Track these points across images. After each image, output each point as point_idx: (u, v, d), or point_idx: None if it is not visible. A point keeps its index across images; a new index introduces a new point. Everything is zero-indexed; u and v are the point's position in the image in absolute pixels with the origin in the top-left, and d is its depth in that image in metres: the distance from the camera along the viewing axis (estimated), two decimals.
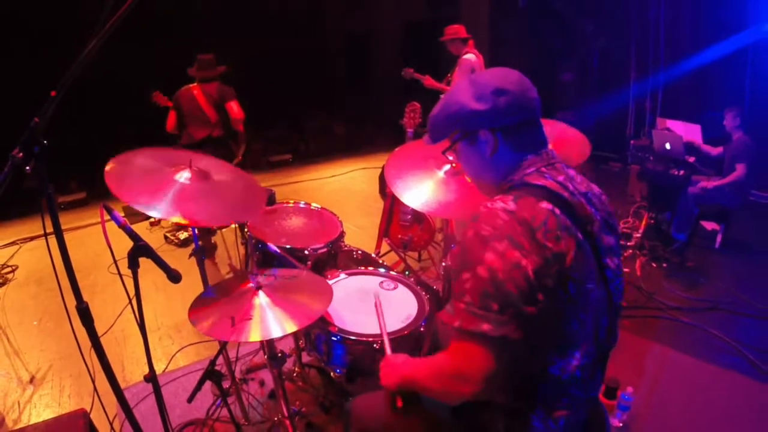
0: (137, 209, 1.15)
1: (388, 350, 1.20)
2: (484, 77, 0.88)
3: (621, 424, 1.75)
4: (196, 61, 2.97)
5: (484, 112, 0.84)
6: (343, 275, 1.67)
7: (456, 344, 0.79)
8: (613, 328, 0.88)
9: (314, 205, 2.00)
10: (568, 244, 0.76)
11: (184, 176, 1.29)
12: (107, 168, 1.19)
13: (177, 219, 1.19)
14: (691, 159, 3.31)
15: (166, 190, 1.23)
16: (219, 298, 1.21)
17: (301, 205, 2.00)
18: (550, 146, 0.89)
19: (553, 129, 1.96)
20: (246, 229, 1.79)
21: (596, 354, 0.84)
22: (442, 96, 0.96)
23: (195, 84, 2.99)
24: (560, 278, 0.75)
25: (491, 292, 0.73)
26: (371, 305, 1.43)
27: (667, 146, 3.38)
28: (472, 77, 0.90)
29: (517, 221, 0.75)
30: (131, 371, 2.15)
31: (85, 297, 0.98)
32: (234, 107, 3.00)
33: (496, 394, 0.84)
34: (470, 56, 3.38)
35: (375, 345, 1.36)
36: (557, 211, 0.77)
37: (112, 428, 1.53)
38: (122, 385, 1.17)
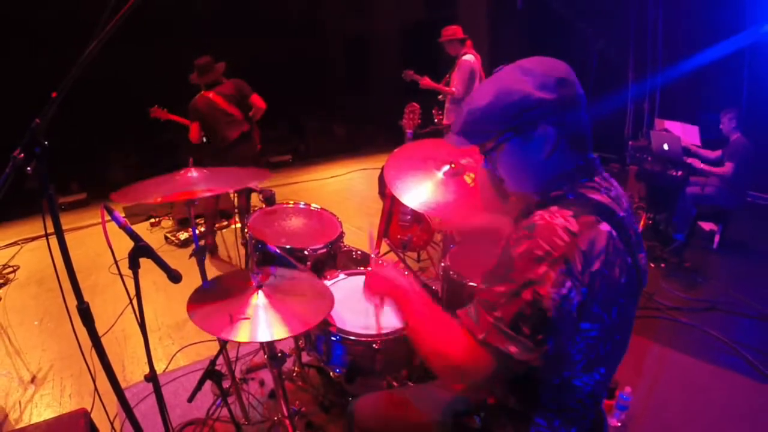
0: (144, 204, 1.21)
1: (373, 251, 1.17)
2: (535, 65, 0.76)
3: (619, 424, 1.76)
4: (195, 68, 2.95)
5: (550, 103, 0.72)
6: (342, 275, 1.68)
7: (473, 347, 0.72)
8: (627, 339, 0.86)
9: (314, 205, 2.01)
10: (621, 270, 0.72)
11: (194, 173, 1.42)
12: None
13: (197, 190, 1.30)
14: (690, 160, 3.33)
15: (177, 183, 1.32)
16: (218, 294, 1.20)
17: (301, 206, 2.00)
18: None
19: None
20: (246, 230, 1.80)
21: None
22: (479, 86, 0.82)
23: (206, 90, 2.96)
24: (608, 304, 0.72)
25: (528, 315, 0.68)
26: (371, 306, 1.44)
27: (665, 147, 3.40)
28: (521, 64, 0.77)
29: (577, 246, 0.68)
30: (132, 371, 2.15)
31: (86, 297, 0.99)
32: (257, 99, 3.04)
33: (503, 397, 0.83)
34: (469, 57, 3.39)
35: (374, 345, 1.36)
36: (614, 233, 0.71)
37: (112, 428, 1.54)
38: (123, 385, 1.19)
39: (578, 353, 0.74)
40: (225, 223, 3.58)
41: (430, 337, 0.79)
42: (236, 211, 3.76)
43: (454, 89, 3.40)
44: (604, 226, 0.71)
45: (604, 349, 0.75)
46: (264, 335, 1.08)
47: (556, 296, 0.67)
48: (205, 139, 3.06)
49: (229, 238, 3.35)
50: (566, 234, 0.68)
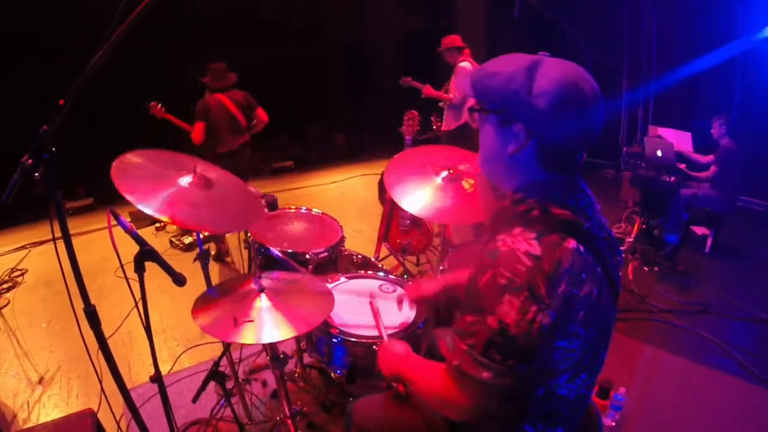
0: (143, 211, 1.13)
1: (385, 336, 1.21)
2: (557, 72, 0.71)
3: (614, 424, 1.79)
4: (210, 71, 2.96)
5: (536, 110, 0.70)
6: (343, 278, 1.71)
7: (452, 378, 0.76)
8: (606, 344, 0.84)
9: (315, 210, 2.05)
10: (592, 285, 0.70)
11: (185, 180, 1.30)
12: (116, 164, 1.19)
13: (166, 219, 1.14)
14: (682, 166, 3.39)
15: (165, 190, 1.21)
16: (222, 298, 1.22)
17: (303, 211, 2.05)
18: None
19: None
20: (249, 234, 1.84)
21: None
22: (499, 57, 0.79)
23: (217, 93, 2.96)
24: (585, 321, 0.70)
25: (498, 343, 0.68)
26: (372, 300, 1.48)
27: (659, 153, 3.46)
28: (544, 62, 0.73)
29: (540, 270, 0.67)
30: (137, 372, 2.18)
31: (93, 300, 1.01)
32: (262, 112, 3.10)
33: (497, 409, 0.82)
34: (466, 64, 3.46)
35: (375, 346, 1.39)
36: (582, 248, 0.70)
37: (118, 428, 1.55)
38: (129, 386, 1.18)
39: (562, 367, 0.73)
40: None
41: (426, 383, 0.86)
42: None
43: (452, 95, 3.47)
44: (570, 243, 0.69)
45: (586, 358, 0.74)
46: (270, 336, 1.11)
47: (521, 323, 0.66)
48: (208, 143, 3.03)
49: (232, 241, 3.38)
50: (528, 259, 0.67)
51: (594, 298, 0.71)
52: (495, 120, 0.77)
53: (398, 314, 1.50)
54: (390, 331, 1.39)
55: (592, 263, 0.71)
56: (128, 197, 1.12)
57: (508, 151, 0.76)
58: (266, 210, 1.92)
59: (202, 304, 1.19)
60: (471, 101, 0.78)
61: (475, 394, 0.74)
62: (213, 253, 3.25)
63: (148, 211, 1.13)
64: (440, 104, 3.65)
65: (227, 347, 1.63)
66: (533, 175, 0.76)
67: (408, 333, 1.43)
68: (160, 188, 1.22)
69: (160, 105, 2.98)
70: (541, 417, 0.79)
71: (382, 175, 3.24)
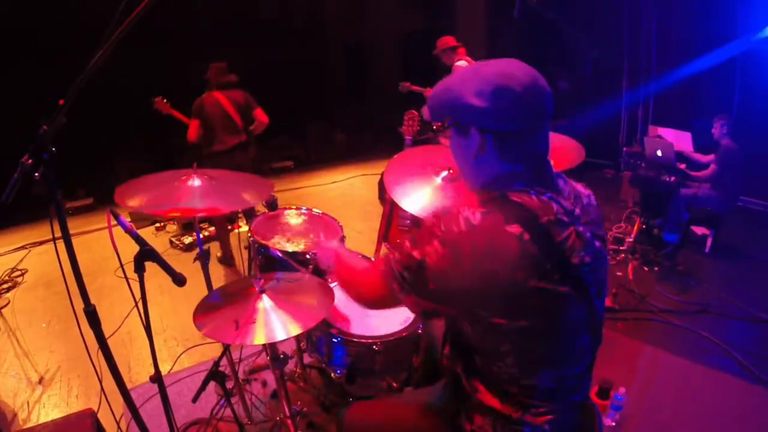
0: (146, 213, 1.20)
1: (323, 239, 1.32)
2: (489, 70, 0.78)
3: (614, 424, 1.79)
4: (212, 68, 2.96)
5: (478, 110, 0.77)
6: None
7: (373, 270, 0.91)
8: (595, 343, 0.86)
9: (315, 210, 2.06)
10: (528, 274, 0.72)
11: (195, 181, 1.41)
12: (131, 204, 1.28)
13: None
14: (682, 166, 3.39)
15: (189, 194, 1.34)
16: (223, 302, 1.23)
17: (303, 211, 2.05)
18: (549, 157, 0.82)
19: (550, 138, 2.04)
20: (249, 234, 1.84)
21: (580, 366, 0.84)
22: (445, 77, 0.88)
23: (215, 91, 2.95)
24: (517, 307, 0.74)
25: (413, 269, 0.79)
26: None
27: (659, 153, 3.46)
28: (479, 66, 0.81)
29: (470, 239, 0.73)
30: (137, 372, 2.18)
31: (93, 300, 1.01)
32: (261, 113, 3.07)
33: (489, 399, 0.86)
34: (461, 63, 3.48)
35: (375, 347, 1.40)
36: (526, 237, 0.72)
37: (118, 427, 1.56)
38: (129, 386, 1.18)
39: (504, 347, 0.79)
40: (229, 227, 3.62)
41: (348, 268, 1.04)
42: (240, 215, 3.80)
43: None
44: (513, 228, 0.72)
45: (539, 352, 0.79)
46: (280, 334, 1.11)
47: (436, 268, 0.76)
48: (201, 141, 3.02)
49: (232, 242, 3.39)
50: (465, 224, 0.75)
51: (530, 286, 0.72)
52: (454, 132, 0.85)
53: (399, 314, 1.50)
54: (392, 330, 1.40)
55: (534, 255, 0.72)
56: (140, 206, 1.16)
57: (472, 155, 0.82)
58: (266, 210, 1.93)
59: (203, 310, 1.19)
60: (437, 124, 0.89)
61: (384, 294, 0.87)
62: (218, 255, 3.24)
63: (161, 209, 1.21)
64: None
65: (227, 347, 1.63)
66: (497, 170, 0.82)
67: (410, 332, 1.43)
68: (166, 192, 1.30)
69: (165, 100, 2.98)
70: (531, 408, 0.82)
71: (382, 175, 3.24)
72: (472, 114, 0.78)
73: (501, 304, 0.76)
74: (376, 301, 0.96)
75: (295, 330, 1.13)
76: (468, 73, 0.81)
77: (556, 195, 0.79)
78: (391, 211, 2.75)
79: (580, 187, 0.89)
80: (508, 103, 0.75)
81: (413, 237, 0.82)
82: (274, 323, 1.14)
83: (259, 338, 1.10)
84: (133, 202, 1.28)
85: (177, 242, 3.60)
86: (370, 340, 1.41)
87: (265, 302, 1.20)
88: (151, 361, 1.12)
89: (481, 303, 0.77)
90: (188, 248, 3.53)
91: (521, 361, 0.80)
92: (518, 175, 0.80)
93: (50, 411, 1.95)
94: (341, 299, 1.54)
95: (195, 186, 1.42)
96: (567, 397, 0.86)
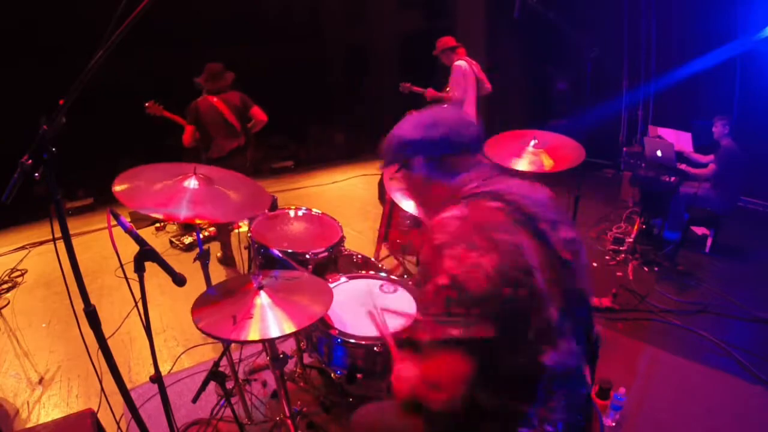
0: (146, 214, 1.17)
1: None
2: (425, 113, 0.98)
3: (614, 424, 1.79)
4: (206, 72, 2.92)
5: (416, 141, 0.93)
6: (343, 279, 1.72)
7: (430, 356, 0.79)
8: (591, 321, 0.90)
9: (315, 210, 2.06)
10: (522, 236, 0.79)
11: (192, 183, 1.36)
12: (117, 189, 1.23)
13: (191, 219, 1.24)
14: (682, 166, 3.39)
15: (179, 197, 1.29)
16: (221, 298, 1.23)
17: (303, 211, 2.05)
18: (485, 161, 0.95)
19: (550, 138, 2.05)
20: (249, 234, 1.84)
21: (584, 346, 0.86)
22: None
23: (211, 95, 2.91)
24: (525, 269, 0.77)
25: (454, 297, 0.73)
26: (371, 308, 1.48)
27: (659, 153, 3.46)
28: (415, 114, 0.99)
29: (469, 224, 0.79)
30: (137, 372, 2.18)
31: (93, 300, 1.01)
32: (258, 112, 3.01)
33: (485, 399, 0.83)
34: (460, 63, 3.49)
35: (375, 347, 1.40)
36: (507, 208, 0.82)
37: (118, 428, 1.56)
38: (129, 386, 1.18)
39: (521, 324, 0.77)
40: (229, 227, 3.62)
41: (413, 377, 0.90)
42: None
43: (452, 95, 3.50)
44: (495, 203, 0.83)
45: (548, 318, 0.78)
46: (275, 331, 1.11)
47: (468, 270, 0.74)
48: (199, 145, 3.00)
49: (232, 242, 3.38)
50: (456, 219, 0.80)
51: (529, 249, 0.79)
52: (405, 172, 0.97)
53: (398, 314, 1.50)
54: (392, 330, 1.39)
55: (521, 220, 0.81)
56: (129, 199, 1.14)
57: (423, 182, 0.94)
58: (266, 210, 1.93)
59: (201, 305, 1.19)
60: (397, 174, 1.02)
61: (455, 365, 0.76)
62: (219, 255, 3.24)
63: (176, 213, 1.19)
64: (444, 106, 3.66)
65: (227, 347, 1.63)
66: (451, 183, 0.92)
67: (410, 333, 1.43)
68: (160, 192, 1.25)
69: (156, 103, 2.94)
70: (539, 400, 0.80)
71: (382, 175, 3.24)
72: (413, 147, 0.93)
73: (517, 274, 0.76)
74: (453, 386, 0.79)
75: (292, 328, 1.13)
76: (406, 121, 0.98)
77: (509, 186, 0.89)
78: (391, 211, 2.75)
79: (540, 189, 0.95)
80: (438, 133, 0.92)
81: (427, 279, 0.78)
82: (272, 320, 1.14)
83: (255, 334, 1.10)
84: (124, 192, 1.23)
85: (177, 242, 3.61)
86: (370, 341, 1.40)
87: (263, 299, 1.20)
88: (151, 361, 1.12)
89: (508, 279, 0.74)
90: (188, 248, 3.54)
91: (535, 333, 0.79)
92: (468, 177, 0.91)
93: (50, 411, 1.95)
94: (341, 300, 1.54)
95: (190, 188, 1.34)
96: (574, 385, 0.85)
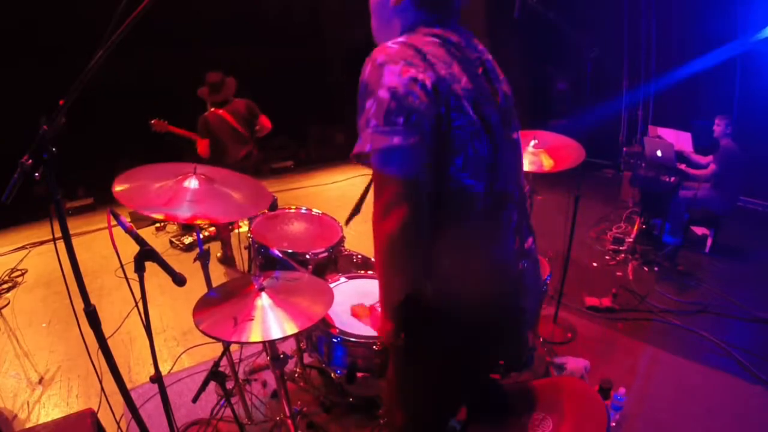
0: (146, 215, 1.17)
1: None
2: None
3: (614, 424, 1.79)
4: (207, 84, 2.94)
5: None
6: (343, 279, 1.73)
7: (376, 177, 0.82)
8: (519, 167, 0.97)
9: (315, 210, 2.06)
10: (460, 70, 0.82)
11: (192, 183, 1.36)
12: (118, 189, 1.23)
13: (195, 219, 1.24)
14: (682, 166, 3.39)
15: (179, 197, 1.29)
16: (222, 299, 1.23)
17: (303, 211, 2.05)
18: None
19: (550, 138, 2.05)
20: (249, 234, 1.84)
21: (517, 192, 0.93)
22: None
23: (217, 107, 2.95)
24: (457, 95, 0.80)
25: (394, 108, 0.76)
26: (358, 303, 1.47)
27: (659, 153, 3.46)
28: None
29: (407, 46, 0.81)
30: (137, 372, 2.18)
31: (93, 300, 1.01)
32: (265, 120, 3.10)
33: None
34: None
35: (374, 346, 1.40)
36: (446, 44, 0.84)
37: (119, 428, 1.56)
38: (129, 386, 1.19)
39: (456, 145, 0.80)
40: (230, 227, 3.62)
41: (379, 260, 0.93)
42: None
43: None
44: (434, 38, 0.84)
45: (475, 143, 0.82)
46: (276, 332, 1.11)
47: (405, 81, 0.77)
48: (214, 156, 3.02)
49: (232, 242, 3.38)
50: (395, 44, 0.82)
51: (465, 80, 0.82)
52: None
53: None
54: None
55: (459, 57, 0.84)
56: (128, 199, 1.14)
57: (390, 4, 0.92)
58: (266, 210, 1.93)
59: (202, 307, 1.19)
60: None
61: (396, 180, 0.78)
62: (219, 255, 3.24)
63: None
64: None
65: (227, 347, 1.63)
66: (414, 18, 0.90)
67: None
68: (159, 192, 1.24)
69: (160, 120, 3.00)
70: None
71: None
72: None
73: (452, 99, 0.79)
74: (400, 201, 0.80)
75: (293, 329, 1.13)
76: None
77: (463, 42, 0.90)
78: None
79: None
80: None
81: (367, 96, 0.80)
82: (272, 321, 1.14)
83: (257, 336, 1.10)
84: (124, 193, 1.23)
85: (177, 242, 3.61)
86: (370, 340, 1.41)
87: (264, 300, 1.20)
88: (151, 361, 1.12)
89: (443, 100, 0.78)
90: (188, 248, 3.54)
91: (464, 158, 0.83)
92: (431, 22, 0.88)
93: (50, 411, 1.95)
94: (341, 300, 1.54)
95: (190, 188, 1.34)
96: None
